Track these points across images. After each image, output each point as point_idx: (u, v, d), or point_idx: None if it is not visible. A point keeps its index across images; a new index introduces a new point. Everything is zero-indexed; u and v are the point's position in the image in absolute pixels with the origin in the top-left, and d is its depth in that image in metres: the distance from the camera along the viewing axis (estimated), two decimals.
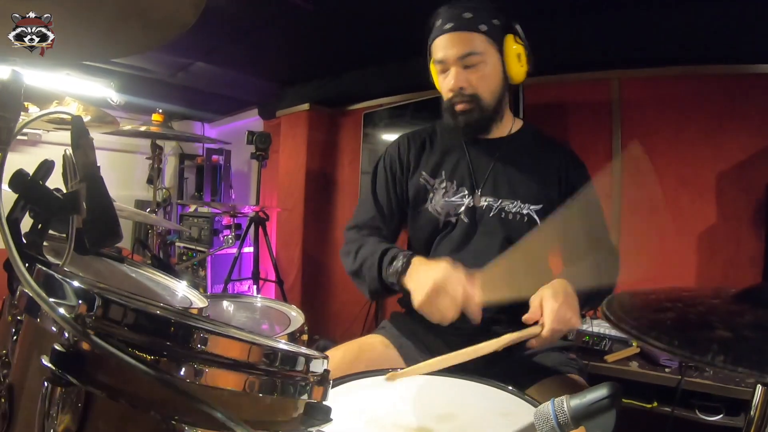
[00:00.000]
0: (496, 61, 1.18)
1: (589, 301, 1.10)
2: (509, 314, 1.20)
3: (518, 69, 1.18)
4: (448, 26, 1.16)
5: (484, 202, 1.22)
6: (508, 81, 1.21)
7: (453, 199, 1.23)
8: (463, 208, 1.22)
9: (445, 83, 1.21)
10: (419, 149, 1.32)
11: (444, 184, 1.25)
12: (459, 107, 1.20)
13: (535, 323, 0.99)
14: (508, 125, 1.30)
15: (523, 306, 1.19)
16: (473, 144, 1.27)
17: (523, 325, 0.99)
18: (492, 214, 1.21)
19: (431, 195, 1.26)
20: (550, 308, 0.97)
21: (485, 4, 1.18)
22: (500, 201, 1.21)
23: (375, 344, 1.26)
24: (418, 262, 1.09)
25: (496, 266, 1.02)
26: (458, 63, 1.16)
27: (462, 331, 1.22)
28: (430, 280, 0.99)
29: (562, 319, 0.96)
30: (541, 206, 1.20)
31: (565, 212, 1.14)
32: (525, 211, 1.20)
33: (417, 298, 1.01)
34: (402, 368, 0.95)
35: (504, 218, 1.21)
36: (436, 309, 0.99)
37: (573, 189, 1.21)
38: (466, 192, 1.23)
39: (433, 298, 0.98)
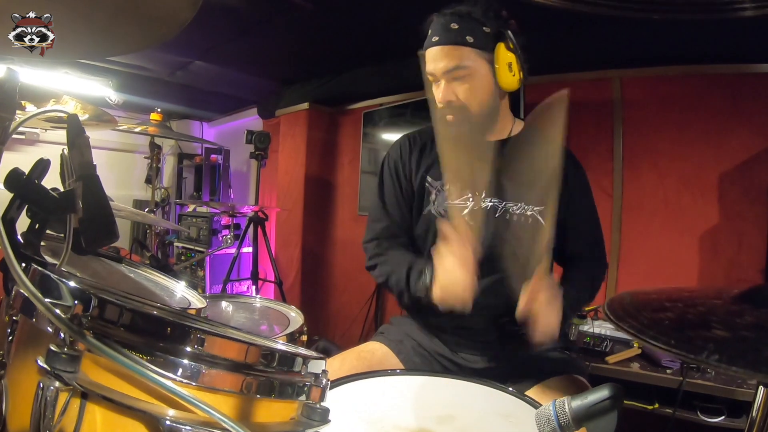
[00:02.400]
0: (485, 71, 1.16)
1: (567, 318, 1.15)
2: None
3: (509, 78, 1.16)
4: (435, 39, 1.15)
5: (488, 204, 1.21)
6: (500, 89, 1.20)
7: (456, 201, 1.22)
8: (467, 211, 1.22)
9: (435, 95, 1.21)
10: (420, 151, 1.31)
11: (447, 186, 1.24)
12: (449, 118, 1.20)
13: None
14: (508, 127, 1.30)
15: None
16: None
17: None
18: (497, 215, 1.21)
19: (433, 197, 1.25)
20: (544, 320, 1.02)
21: (477, 10, 1.15)
22: (504, 203, 1.21)
23: (374, 350, 1.26)
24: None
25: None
26: (446, 76, 1.16)
27: (462, 332, 1.22)
28: (437, 288, 1.05)
29: (548, 333, 1.03)
30: (543, 207, 1.20)
31: (566, 217, 1.19)
32: (529, 213, 1.20)
33: (442, 307, 1.06)
34: (402, 369, 0.94)
35: (509, 219, 1.20)
36: (454, 302, 1.03)
37: (572, 191, 1.21)
38: (470, 194, 1.23)
39: (447, 297, 1.04)
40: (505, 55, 1.14)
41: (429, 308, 1.19)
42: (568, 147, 1.33)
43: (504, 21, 1.16)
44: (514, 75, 1.16)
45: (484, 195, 1.22)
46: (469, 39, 1.12)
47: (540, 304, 1.01)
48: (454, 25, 1.13)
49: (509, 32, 1.15)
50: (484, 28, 1.14)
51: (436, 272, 1.06)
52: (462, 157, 1.25)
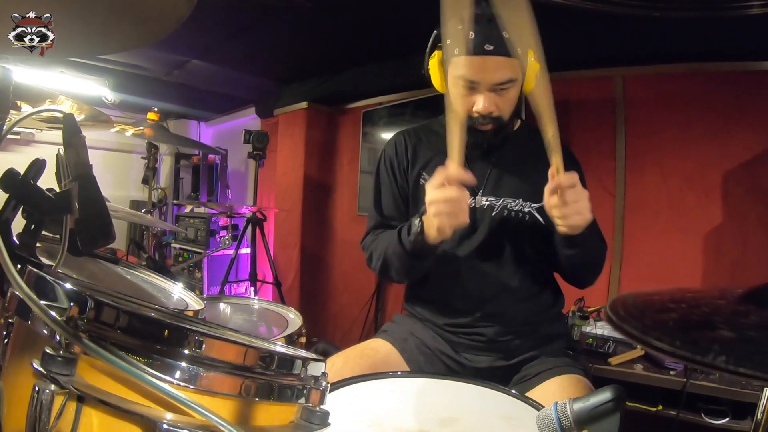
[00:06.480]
0: (520, 81, 1.13)
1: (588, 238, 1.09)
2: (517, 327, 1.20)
3: (531, 87, 1.10)
4: (488, 47, 1.05)
5: (485, 202, 1.21)
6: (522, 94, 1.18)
7: None
8: None
9: (468, 101, 1.12)
10: (416, 147, 1.31)
11: None
12: (482, 128, 1.15)
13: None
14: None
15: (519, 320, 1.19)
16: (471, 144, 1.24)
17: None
18: (494, 213, 1.20)
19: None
20: (578, 203, 0.99)
21: None
22: (502, 200, 1.21)
23: (377, 348, 1.24)
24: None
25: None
26: (492, 86, 1.10)
27: (465, 331, 1.21)
28: (429, 211, 1.00)
29: (581, 217, 1.00)
30: (542, 204, 1.19)
31: None
32: (527, 210, 1.19)
33: (432, 234, 1.02)
34: (403, 371, 0.93)
35: (506, 216, 1.20)
36: (446, 221, 0.98)
37: None
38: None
39: (439, 218, 0.98)
40: (534, 65, 1.07)
41: (428, 252, 1.11)
42: (566, 143, 1.31)
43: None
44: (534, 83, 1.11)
45: (481, 193, 1.22)
46: (519, 51, 1.05)
47: (573, 186, 0.98)
48: (506, 34, 1.03)
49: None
50: None
51: (427, 207, 1.00)
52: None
